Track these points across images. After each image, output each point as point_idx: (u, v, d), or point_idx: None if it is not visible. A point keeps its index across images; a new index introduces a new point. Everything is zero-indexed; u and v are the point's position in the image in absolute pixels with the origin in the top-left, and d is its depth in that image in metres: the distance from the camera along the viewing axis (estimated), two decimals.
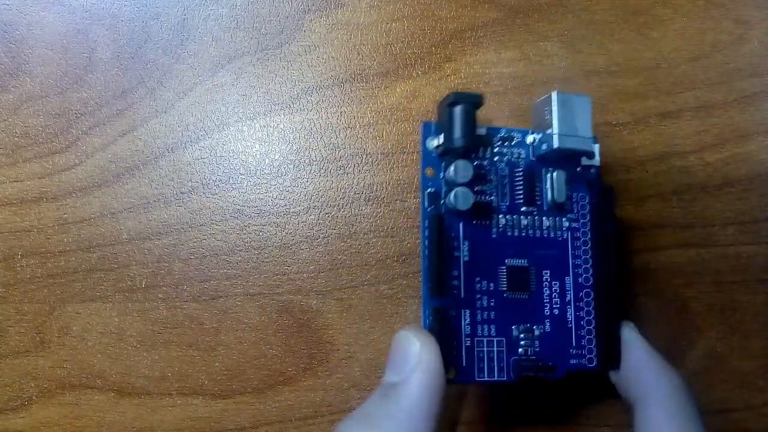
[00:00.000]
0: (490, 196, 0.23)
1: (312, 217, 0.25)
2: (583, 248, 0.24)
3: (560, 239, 0.24)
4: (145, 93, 0.25)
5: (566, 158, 0.23)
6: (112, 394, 0.25)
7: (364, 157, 0.25)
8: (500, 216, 0.23)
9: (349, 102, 0.25)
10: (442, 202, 0.23)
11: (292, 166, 0.25)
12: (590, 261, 0.24)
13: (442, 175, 0.23)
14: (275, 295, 0.25)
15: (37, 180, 0.25)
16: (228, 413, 0.25)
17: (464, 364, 0.22)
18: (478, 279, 0.23)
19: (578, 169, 0.24)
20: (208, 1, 0.25)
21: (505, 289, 0.23)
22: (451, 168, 0.22)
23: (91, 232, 0.25)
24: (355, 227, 0.25)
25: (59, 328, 0.25)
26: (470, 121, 0.22)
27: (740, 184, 0.25)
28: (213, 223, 0.25)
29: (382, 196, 0.25)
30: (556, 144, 0.22)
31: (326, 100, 0.25)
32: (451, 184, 0.22)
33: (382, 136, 0.25)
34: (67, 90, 0.25)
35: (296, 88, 0.25)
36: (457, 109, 0.22)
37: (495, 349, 0.23)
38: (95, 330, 0.25)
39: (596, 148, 0.23)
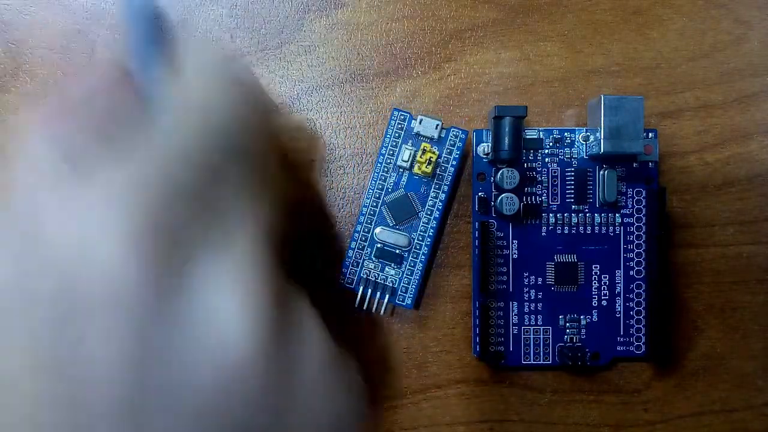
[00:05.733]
0: (540, 197, 0.24)
1: None
2: (636, 242, 0.24)
3: (612, 234, 0.24)
4: None
5: (620, 157, 0.24)
6: None
7: (364, 157, 0.25)
8: (550, 215, 0.24)
9: (349, 102, 0.25)
10: (492, 204, 0.24)
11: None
12: (643, 254, 0.24)
13: (492, 179, 0.24)
14: None
15: None
16: None
17: (512, 350, 0.24)
18: (526, 274, 0.24)
19: (635, 165, 0.24)
20: (208, 1, 0.25)
21: (552, 282, 0.24)
22: (498, 175, 0.24)
23: None
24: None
25: None
26: (516, 134, 0.23)
27: (740, 184, 0.25)
28: None
29: None
30: (602, 148, 0.23)
31: (326, 100, 0.25)
32: (499, 190, 0.24)
33: (382, 136, 0.25)
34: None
35: (296, 88, 0.25)
36: (502, 123, 0.23)
37: (541, 336, 0.24)
38: None
39: (654, 143, 0.24)
